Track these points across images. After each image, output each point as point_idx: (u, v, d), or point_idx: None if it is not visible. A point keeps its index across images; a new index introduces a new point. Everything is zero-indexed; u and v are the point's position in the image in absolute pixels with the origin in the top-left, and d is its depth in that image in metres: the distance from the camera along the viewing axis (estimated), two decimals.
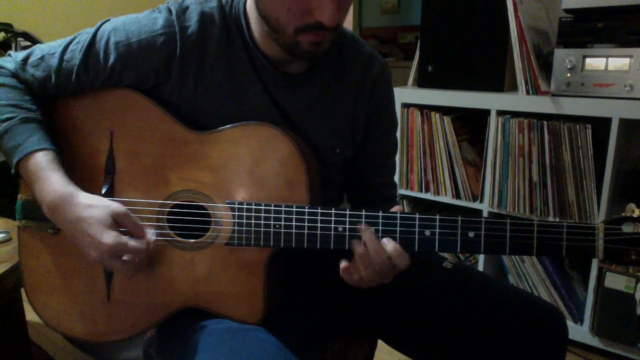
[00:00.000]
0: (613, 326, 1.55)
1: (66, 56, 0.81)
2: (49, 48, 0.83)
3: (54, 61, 0.81)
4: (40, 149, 0.76)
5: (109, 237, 0.72)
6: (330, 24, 0.70)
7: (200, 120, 0.83)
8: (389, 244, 0.72)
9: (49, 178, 0.75)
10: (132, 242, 0.74)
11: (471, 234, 0.72)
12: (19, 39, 2.27)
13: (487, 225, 0.71)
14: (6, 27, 2.26)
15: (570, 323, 1.66)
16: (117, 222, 0.75)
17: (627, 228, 0.68)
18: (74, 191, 0.75)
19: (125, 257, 0.75)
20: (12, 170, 0.79)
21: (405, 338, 0.91)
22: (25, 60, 0.83)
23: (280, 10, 0.72)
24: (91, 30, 0.83)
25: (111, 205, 0.76)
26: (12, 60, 0.83)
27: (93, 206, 0.74)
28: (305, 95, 0.86)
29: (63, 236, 0.84)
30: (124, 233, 0.75)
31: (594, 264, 1.57)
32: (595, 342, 1.61)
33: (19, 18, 2.42)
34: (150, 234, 0.77)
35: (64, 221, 0.75)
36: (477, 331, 0.83)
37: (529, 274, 1.74)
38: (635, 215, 0.68)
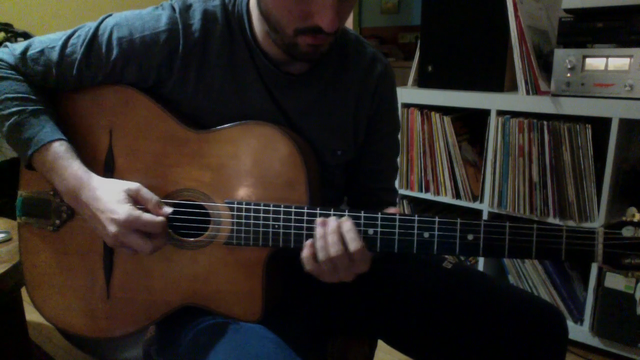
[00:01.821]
0: (613, 326, 1.55)
1: (67, 50, 0.81)
2: (49, 41, 0.82)
3: (54, 55, 0.81)
4: (56, 140, 0.78)
5: (123, 209, 0.73)
6: (329, 29, 0.71)
7: (201, 119, 0.83)
8: (346, 223, 0.72)
9: (70, 166, 0.77)
10: (146, 215, 0.75)
11: (470, 237, 0.72)
12: (19, 39, 2.27)
13: (486, 228, 0.71)
14: (6, 27, 2.26)
15: (570, 323, 1.66)
16: (132, 198, 0.76)
17: (627, 232, 0.68)
18: (92, 175, 0.78)
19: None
20: (25, 163, 0.80)
21: (405, 338, 0.91)
22: (24, 53, 0.82)
23: (281, 10, 0.72)
24: (93, 24, 0.82)
25: (125, 183, 0.78)
26: (9, 52, 0.82)
27: (107, 186, 0.77)
28: (306, 96, 0.86)
29: (63, 233, 0.84)
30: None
31: (594, 264, 1.57)
32: (595, 342, 1.61)
33: (19, 18, 2.42)
34: (167, 209, 0.78)
35: (83, 205, 0.77)
36: (477, 331, 0.83)
37: (529, 274, 1.74)
38: (635, 219, 0.68)
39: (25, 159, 0.79)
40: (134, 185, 0.77)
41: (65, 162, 0.77)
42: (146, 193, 0.78)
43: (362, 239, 0.73)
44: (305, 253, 0.74)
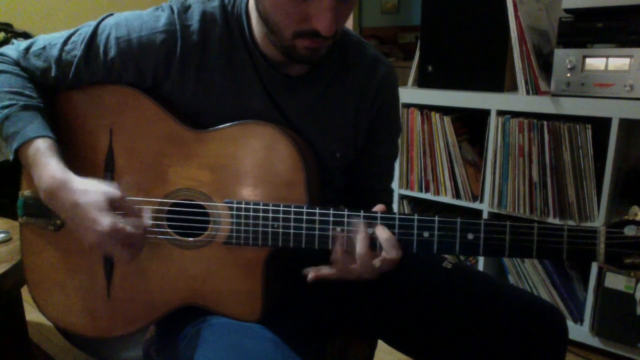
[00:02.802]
0: (613, 326, 1.55)
1: (67, 47, 0.82)
2: (52, 39, 0.84)
3: (55, 51, 0.82)
4: (40, 136, 0.77)
5: (106, 220, 0.72)
6: (326, 33, 0.71)
7: (201, 120, 0.83)
8: (384, 233, 0.73)
9: (47, 164, 0.75)
10: (129, 224, 0.73)
11: (470, 236, 0.71)
12: (19, 39, 2.27)
13: (487, 228, 0.71)
14: (6, 27, 2.26)
15: (570, 323, 1.66)
16: (113, 205, 0.75)
17: (629, 232, 0.67)
18: (71, 177, 0.76)
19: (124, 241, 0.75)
20: (11, 157, 0.79)
21: (405, 338, 0.91)
22: (27, 49, 0.84)
23: (280, 13, 0.72)
24: (93, 23, 0.83)
25: (107, 189, 0.75)
26: (15, 48, 0.85)
27: (88, 191, 0.74)
28: (305, 98, 0.86)
29: (64, 233, 0.84)
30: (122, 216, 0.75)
31: (594, 264, 1.57)
32: (595, 342, 1.61)
33: (19, 18, 2.42)
34: (147, 217, 0.77)
35: (62, 207, 0.75)
36: (477, 331, 0.83)
37: (529, 274, 1.74)
38: (638, 218, 0.67)
39: (11, 153, 0.79)
40: (116, 192, 0.75)
41: (44, 159, 0.76)
42: (128, 201, 0.76)
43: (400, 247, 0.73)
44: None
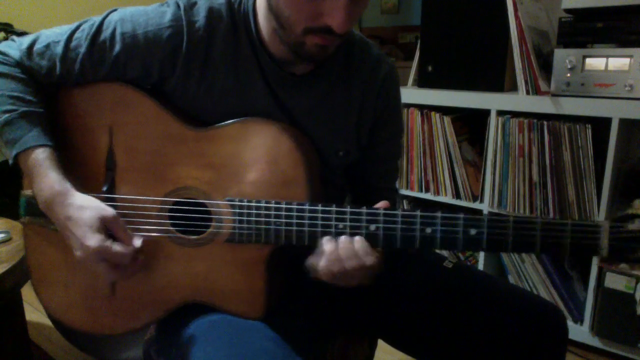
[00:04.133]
0: (613, 326, 1.55)
1: (72, 44, 0.81)
2: (55, 36, 0.83)
3: (59, 49, 0.81)
4: (39, 145, 0.77)
5: (94, 239, 0.73)
6: (339, 30, 0.71)
7: (204, 117, 0.83)
8: (357, 242, 0.73)
9: (46, 175, 0.76)
10: (115, 247, 0.75)
11: (473, 231, 0.71)
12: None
13: (490, 223, 0.70)
14: (6, 27, 2.26)
15: (570, 323, 1.66)
16: (106, 226, 0.76)
17: (632, 226, 0.67)
18: (69, 190, 0.76)
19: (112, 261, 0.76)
20: (11, 161, 0.79)
21: (406, 337, 0.91)
22: (30, 47, 0.82)
23: (292, 8, 0.72)
24: (97, 18, 0.82)
25: (102, 209, 0.76)
26: (16, 47, 0.83)
27: (84, 208, 0.75)
28: (309, 96, 0.86)
29: None
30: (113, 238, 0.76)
31: (594, 264, 1.57)
32: (595, 342, 1.61)
33: (19, 18, 2.42)
34: (137, 242, 0.78)
35: (56, 218, 0.76)
36: (478, 330, 0.83)
37: (529, 274, 1.74)
38: None
39: (11, 158, 0.79)
40: (109, 213, 0.76)
41: (42, 170, 0.76)
42: (121, 223, 0.77)
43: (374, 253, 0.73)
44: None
